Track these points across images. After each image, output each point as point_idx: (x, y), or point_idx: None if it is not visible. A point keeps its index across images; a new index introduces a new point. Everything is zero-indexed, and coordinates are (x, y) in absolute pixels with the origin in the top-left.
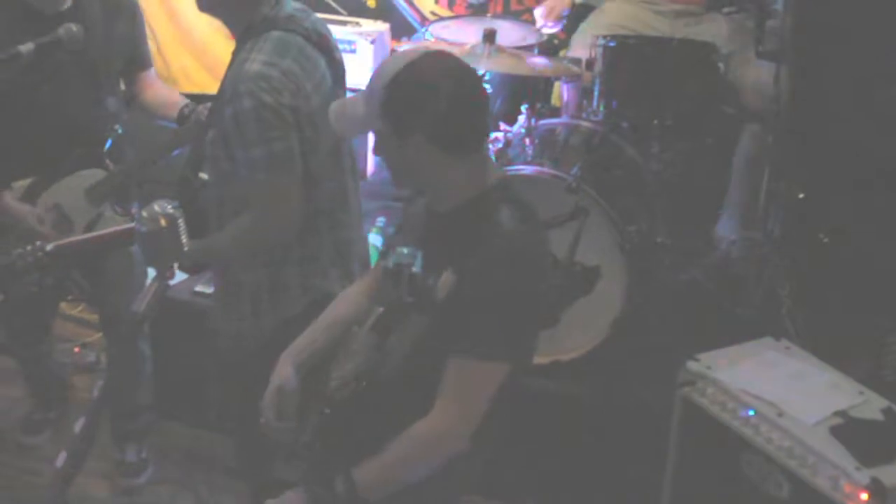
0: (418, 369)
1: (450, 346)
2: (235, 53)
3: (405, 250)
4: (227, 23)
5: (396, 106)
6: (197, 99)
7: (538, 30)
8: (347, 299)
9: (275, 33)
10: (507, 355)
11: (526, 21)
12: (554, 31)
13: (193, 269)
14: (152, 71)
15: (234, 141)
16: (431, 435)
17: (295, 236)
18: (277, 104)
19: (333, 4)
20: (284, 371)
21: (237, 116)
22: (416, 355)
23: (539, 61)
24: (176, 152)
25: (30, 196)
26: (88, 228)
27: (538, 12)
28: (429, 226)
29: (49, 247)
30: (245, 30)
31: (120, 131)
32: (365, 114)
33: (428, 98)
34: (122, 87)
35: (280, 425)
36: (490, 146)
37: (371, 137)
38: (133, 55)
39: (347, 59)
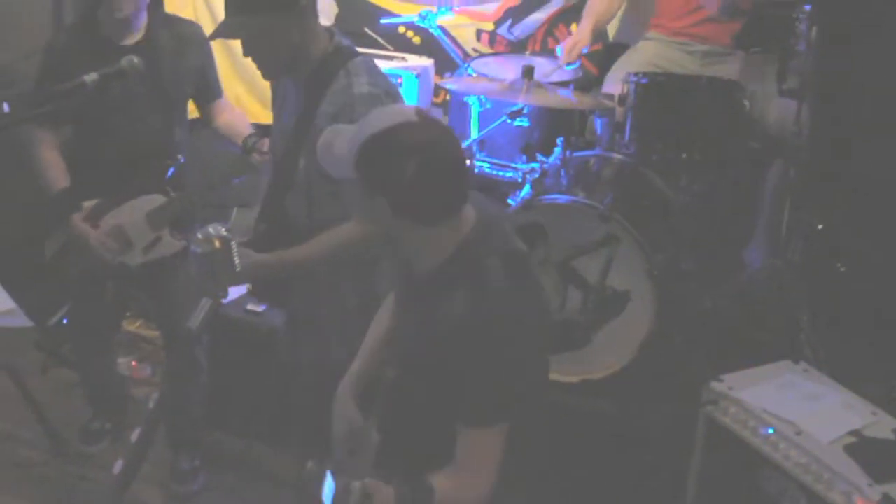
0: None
1: (454, 413)
2: (319, 85)
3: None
4: (290, 66)
5: (366, 165)
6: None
7: (559, 65)
8: (380, 322)
9: (360, 58)
10: (507, 418)
11: None
12: (575, 65)
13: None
14: (223, 99)
15: None
16: (450, 495)
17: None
18: None
19: (381, 40)
20: (349, 411)
21: None
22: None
23: (574, 96)
24: (236, 181)
25: (94, 216)
26: (147, 251)
27: (560, 48)
28: (406, 289)
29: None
30: (319, 64)
31: (182, 160)
32: (345, 158)
33: (394, 168)
34: (197, 113)
35: (355, 462)
36: (528, 177)
37: None
38: (203, 86)
39: None
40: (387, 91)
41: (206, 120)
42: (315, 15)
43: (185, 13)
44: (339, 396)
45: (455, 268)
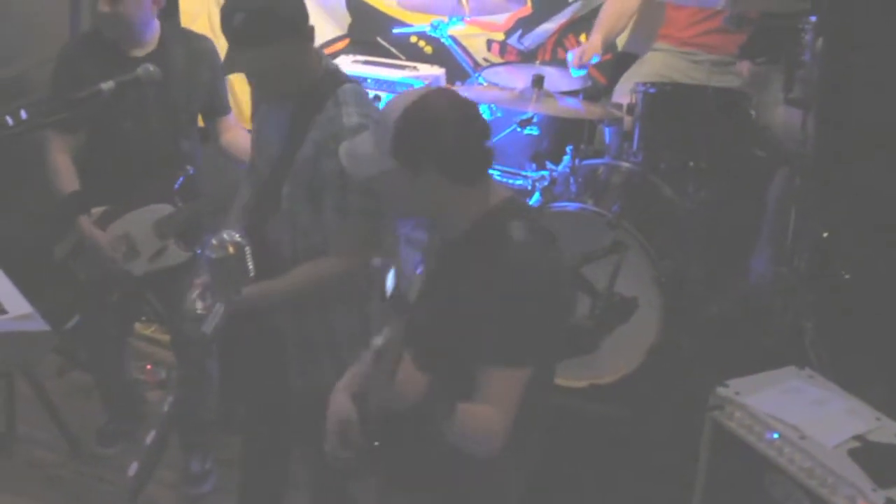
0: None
1: (477, 357)
2: (308, 110)
3: None
4: (286, 87)
5: (407, 141)
6: None
7: (568, 69)
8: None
9: (348, 86)
10: (531, 360)
11: None
12: (582, 73)
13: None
14: (230, 116)
15: (333, 190)
16: (471, 420)
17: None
18: None
19: (393, 50)
20: (343, 403)
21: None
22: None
23: (584, 106)
24: None
25: (102, 223)
26: (153, 260)
27: (570, 55)
28: (442, 255)
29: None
30: (310, 87)
31: (191, 171)
32: (375, 152)
33: (436, 132)
34: (203, 127)
35: (345, 454)
36: (537, 185)
37: None
38: (211, 100)
39: None
40: (375, 120)
41: (211, 135)
42: (313, 38)
43: (200, 22)
44: (336, 387)
45: (483, 230)
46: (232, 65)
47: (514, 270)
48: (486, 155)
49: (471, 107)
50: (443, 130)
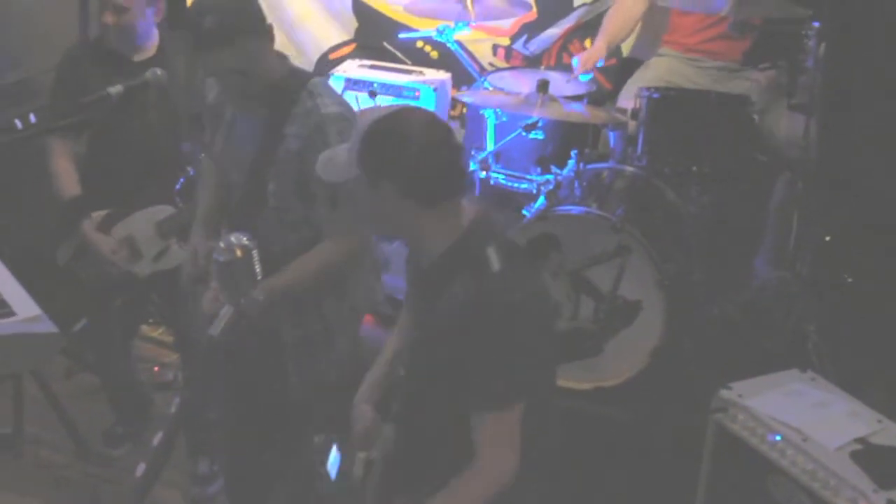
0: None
1: (467, 402)
2: (282, 107)
3: None
4: (253, 88)
5: (368, 152)
6: None
7: (575, 76)
8: (399, 331)
9: (316, 79)
10: (521, 398)
11: None
12: (589, 77)
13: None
14: None
15: (321, 181)
16: (482, 482)
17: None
18: None
19: (399, 55)
20: (367, 413)
21: None
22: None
23: (588, 110)
24: None
25: (104, 226)
26: (156, 260)
27: (575, 60)
28: (414, 283)
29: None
30: (278, 85)
31: (192, 173)
32: (346, 161)
33: (398, 149)
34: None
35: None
36: (542, 188)
37: None
38: None
39: None
40: (350, 110)
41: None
42: (273, 37)
43: None
44: (356, 402)
45: (457, 256)
46: (211, 69)
47: (487, 310)
48: (452, 179)
49: (442, 130)
50: (404, 148)
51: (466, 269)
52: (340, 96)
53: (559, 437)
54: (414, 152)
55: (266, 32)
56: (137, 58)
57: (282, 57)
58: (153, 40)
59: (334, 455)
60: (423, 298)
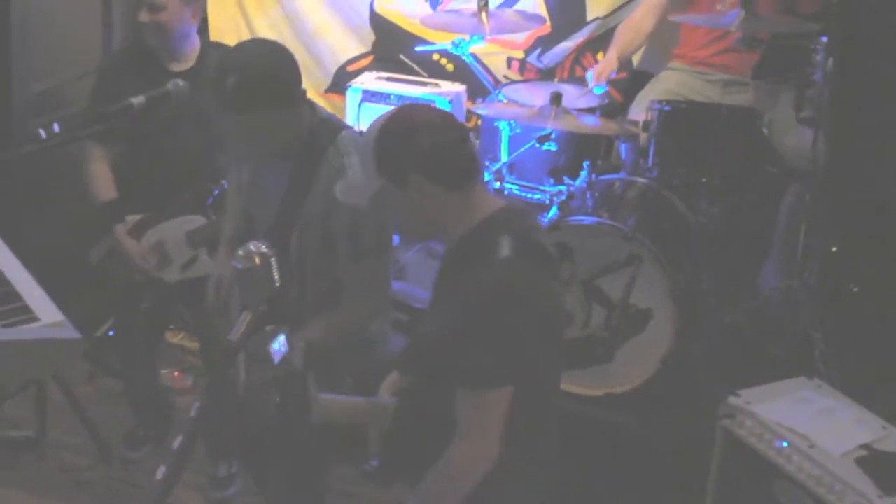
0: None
1: (454, 379)
2: (309, 162)
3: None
4: (278, 152)
5: (388, 156)
6: None
7: (590, 89)
8: None
9: (344, 133)
10: (506, 381)
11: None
12: (603, 89)
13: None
14: None
15: (347, 240)
16: (461, 461)
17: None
18: None
19: (416, 67)
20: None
21: (356, 219)
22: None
23: (600, 122)
24: None
25: (137, 231)
26: (184, 268)
27: (590, 74)
28: (440, 267)
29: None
30: (306, 139)
31: (226, 185)
32: (365, 178)
33: (412, 139)
34: None
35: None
36: (555, 199)
37: None
38: None
39: None
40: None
41: None
42: (306, 98)
43: (229, 38)
44: (379, 394)
45: (472, 242)
46: (228, 131)
47: (486, 292)
48: (469, 157)
49: (444, 115)
50: (418, 137)
51: (477, 255)
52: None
53: (569, 442)
54: (427, 138)
55: (296, 100)
56: (176, 67)
57: (311, 106)
58: (193, 47)
59: (281, 341)
60: (439, 285)
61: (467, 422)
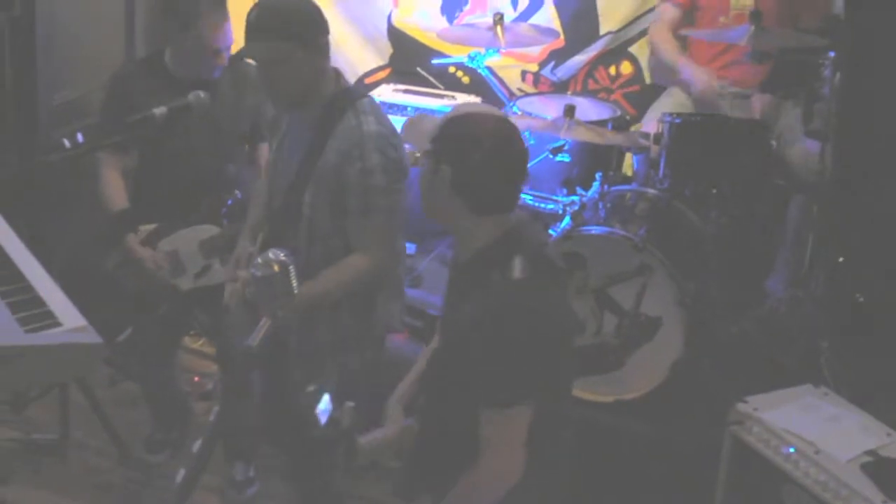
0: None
1: (478, 398)
2: (329, 120)
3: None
4: (300, 96)
5: (441, 136)
6: None
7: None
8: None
9: (366, 99)
10: (526, 399)
11: (601, 99)
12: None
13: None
14: (266, 145)
15: (356, 193)
16: (490, 475)
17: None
18: (398, 158)
19: (432, 79)
20: (395, 416)
21: (366, 170)
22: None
23: (613, 134)
24: None
25: (151, 240)
26: (198, 277)
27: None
28: (451, 277)
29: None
30: (329, 100)
31: (239, 196)
32: (429, 131)
33: (466, 146)
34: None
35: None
36: (568, 209)
37: None
38: (255, 125)
39: None
40: (392, 131)
41: (250, 159)
42: (329, 56)
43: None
44: (389, 402)
45: (486, 260)
46: (248, 50)
47: (501, 312)
48: (504, 197)
49: (514, 144)
50: (473, 150)
51: (492, 274)
52: (385, 117)
53: (579, 449)
54: (478, 158)
55: (314, 45)
56: (190, 79)
57: (337, 74)
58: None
59: (326, 402)
60: (452, 298)
61: (493, 438)
